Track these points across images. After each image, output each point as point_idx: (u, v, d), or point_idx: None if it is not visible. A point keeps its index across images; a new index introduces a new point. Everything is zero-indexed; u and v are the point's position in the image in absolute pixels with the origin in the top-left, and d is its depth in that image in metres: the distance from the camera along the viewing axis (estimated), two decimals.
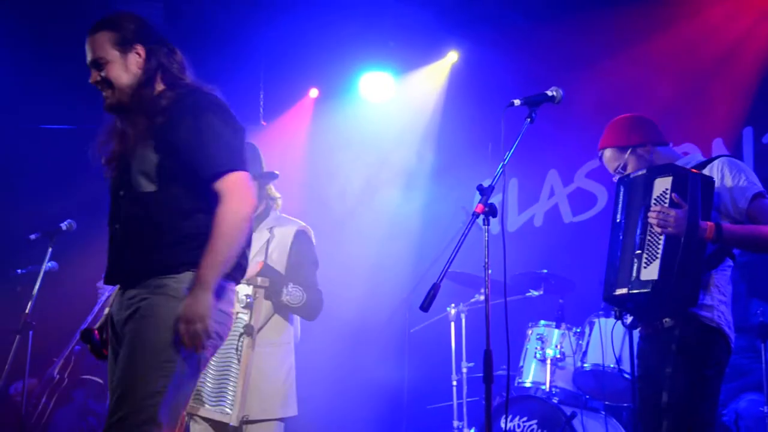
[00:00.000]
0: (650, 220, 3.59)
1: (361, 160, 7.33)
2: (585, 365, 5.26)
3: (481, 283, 5.63)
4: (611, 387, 5.20)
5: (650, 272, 3.56)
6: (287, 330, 4.27)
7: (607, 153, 3.93)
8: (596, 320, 5.28)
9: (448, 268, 3.21)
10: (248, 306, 4.01)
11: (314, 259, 4.36)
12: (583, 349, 5.30)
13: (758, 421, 5.02)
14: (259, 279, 4.05)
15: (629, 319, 3.82)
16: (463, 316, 5.88)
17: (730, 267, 3.74)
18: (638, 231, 3.65)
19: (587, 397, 5.41)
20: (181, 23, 6.90)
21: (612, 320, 4.92)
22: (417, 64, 7.30)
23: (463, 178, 7.19)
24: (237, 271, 3.14)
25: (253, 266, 4.05)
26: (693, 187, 3.55)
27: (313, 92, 7.47)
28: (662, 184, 3.62)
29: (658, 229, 3.55)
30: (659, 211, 3.55)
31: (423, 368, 6.47)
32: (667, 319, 3.66)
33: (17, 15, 6.62)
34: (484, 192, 3.29)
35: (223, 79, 6.99)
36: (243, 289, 4.01)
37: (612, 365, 5.06)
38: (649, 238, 3.60)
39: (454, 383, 5.82)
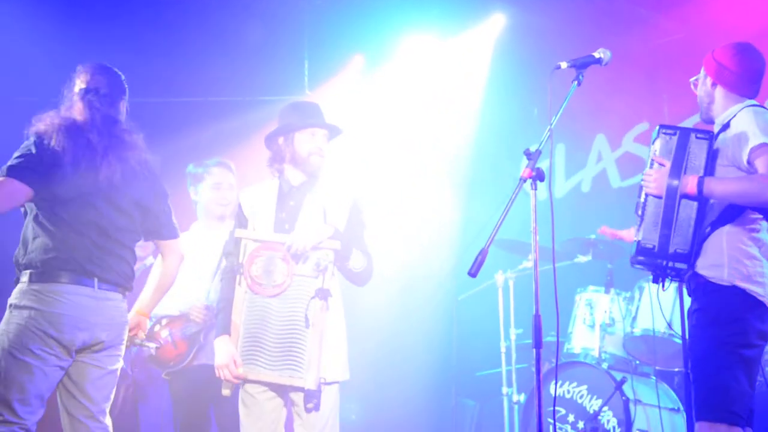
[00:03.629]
0: (640, 182, 3.66)
1: (405, 127, 7.30)
2: (635, 330, 5.22)
3: (529, 250, 5.58)
4: (662, 352, 5.17)
5: (639, 234, 3.61)
6: (340, 295, 4.22)
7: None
8: (646, 285, 5.24)
9: (495, 233, 3.19)
10: (321, 270, 3.94)
11: (365, 222, 4.26)
12: (633, 314, 5.26)
13: None
14: (331, 243, 3.96)
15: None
16: (511, 282, 5.87)
17: (759, 219, 3.54)
18: (638, 194, 3.73)
19: (637, 362, 5.37)
20: None
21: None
22: (462, 28, 7.22)
23: (510, 143, 7.13)
24: None
25: (321, 230, 3.99)
26: (680, 145, 3.53)
27: (358, 59, 7.43)
28: (655, 145, 3.64)
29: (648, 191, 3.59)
30: (644, 173, 3.60)
31: (471, 335, 6.47)
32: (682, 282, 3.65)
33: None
34: (531, 156, 3.26)
35: (267, 50, 7.04)
36: (314, 254, 3.96)
37: (662, 330, 5.02)
38: (642, 200, 3.64)
39: (503, 350, 5.81)
